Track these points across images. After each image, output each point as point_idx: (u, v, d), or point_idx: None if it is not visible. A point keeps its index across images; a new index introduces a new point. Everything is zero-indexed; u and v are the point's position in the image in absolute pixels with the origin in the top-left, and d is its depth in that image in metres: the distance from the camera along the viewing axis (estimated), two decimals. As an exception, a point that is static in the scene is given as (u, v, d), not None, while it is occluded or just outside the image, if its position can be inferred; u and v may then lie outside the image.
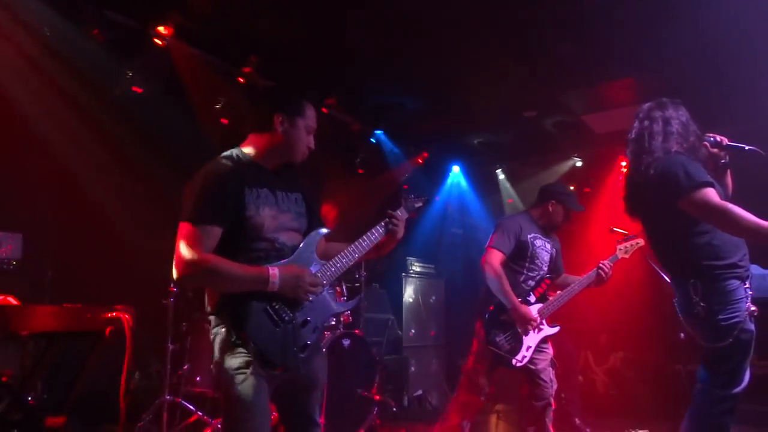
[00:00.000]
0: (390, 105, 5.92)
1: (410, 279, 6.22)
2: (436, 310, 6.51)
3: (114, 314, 2.92)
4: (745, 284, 2.76)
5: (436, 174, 7.29)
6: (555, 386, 3.74)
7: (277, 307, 2.13)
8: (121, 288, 3.72)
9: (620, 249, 3.89)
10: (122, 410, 2.73)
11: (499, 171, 7.47)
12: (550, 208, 3.85)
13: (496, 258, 3.61)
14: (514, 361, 3.54)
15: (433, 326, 6.38)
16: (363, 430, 4.24)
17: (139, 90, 4.21)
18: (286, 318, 2.14)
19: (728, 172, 3.07)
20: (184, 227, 2.09)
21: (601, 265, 3.77)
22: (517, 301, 3.56)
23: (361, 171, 6.21)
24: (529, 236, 3.76)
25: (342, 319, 4.62)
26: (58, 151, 3.79)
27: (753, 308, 2.72)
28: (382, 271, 6.03)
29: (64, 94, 3.83)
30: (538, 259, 3.77)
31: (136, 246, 4.18)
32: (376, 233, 2.44)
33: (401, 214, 2.53)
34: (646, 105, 3.07)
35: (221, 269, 2.06)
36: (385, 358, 5.75)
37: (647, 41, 4.79)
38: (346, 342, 4.31)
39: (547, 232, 3.90)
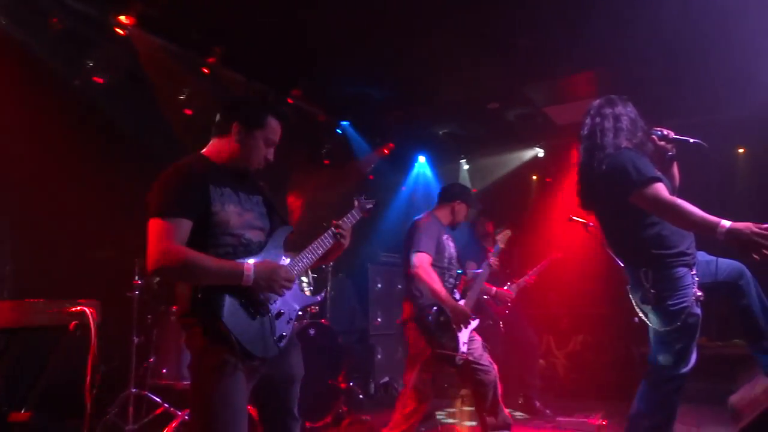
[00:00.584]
0: (356, 96, 5.95)
1: (376, 268, 6.28)
2: (402, 299, 6.58)
3: (78, 308, 2.91)
4: (692, 271, 2.92)
5: (402, 164, 7.36)
6: (495, 367, 3.88)
7: (252, 300, 2.18)
8: (84, 281, 3.68)
9: (498, 240, 4.18)
10: (87, 404, 2.72)
11: (463, 161, 7.58)
12: (456, 208, 4.04)
13: (424, 261, 3.70)
14: (458, 359, 3.66)
15: (399, 314, 6.45)
16: (330, 417, 4.31)
17: (100, 80, 4.14)
18: (263, 310, 2.20)
19: (675, 164, 3.22)
20: (155, 223, 2.12)
21: (490, 261, 4.04)
22: (452, 299, 3.70)
23: (327, 162, 6.23)
24: (444, 237, 3.93)
25: (309, 309, 4.68)
26: (15, 142, 3.70)
27: (699, 293, 2.88)
28: (348, 261, 6.09)
29: (22, 83, 3.74)
30: (453, 258, 3.95)
31: (99, 238, 4.14)
32: (324, 242, 2.52)
33: (347, 222, 2.62)
34: (597, 102, 3.19)
35: (197, 261, 2.10)
36: (351, 347, 5.83)
37: (607, 35, 4.92)
38: (312, 331, 4.37)
39: (450, 231, 4.08)
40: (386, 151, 6.96)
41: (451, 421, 5.16)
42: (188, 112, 4.77)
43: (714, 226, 2.56)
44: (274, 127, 2.39)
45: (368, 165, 6.79)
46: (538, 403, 5.67)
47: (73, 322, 2.85)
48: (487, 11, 4.66)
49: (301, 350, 2.48)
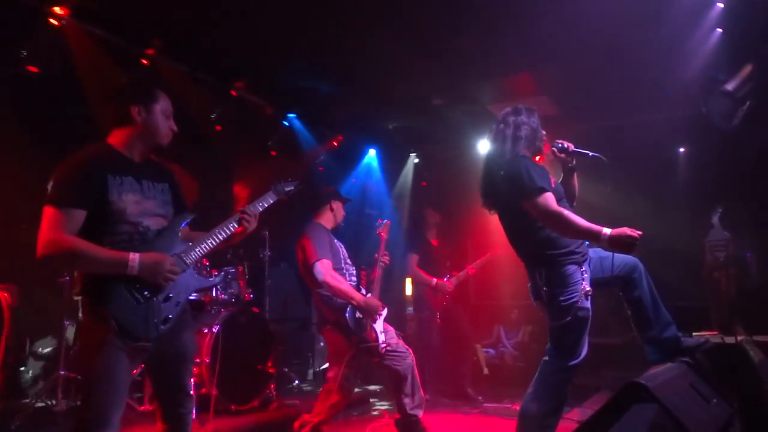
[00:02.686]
0: (302, 89, 6.05)
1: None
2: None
3: (-9, 292, 3.02)
4: (582, 268, 3.12)
5: (352, 157, 7.48)
6: (410, 351, 4.07)
7: (138, 285, 2.30)
8: (15, 267, 3.74)
9: (382, 231, 4.40)
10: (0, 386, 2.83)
11: (412, 155, 7.73)
12: (333, 207, 4.23)
13: (327, 267, 3.86)
14: (381, 348, 3.86)
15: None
16: (258, 401, 4.46)
17: (34, 70, 4.18)
18: (147, 294, 2.31)
19: (575, 175, 3.43)
20: (47, 210, 2.23)
21: (378, 257, 4.20)
22: (361, 295, 3.89)
23: (274, 153, 6.34)
24: (335, 241, 4.13)
25: (243, 297, 4.82)
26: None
27: (588, 289, 3.09)
28: (292, 250, 6.21)
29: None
30: (347, 258, 4.14)
31: (31, 224, 4.19)
32: (231, 226, 2.62)
33: (256, 207, 2.73)
34: (506, 109, 3.38)
35: (82, 250, 2.21)
36: (291, 335, 5.99)
37: (542, 35, 5.09)
38: (242, 318, 4.50)
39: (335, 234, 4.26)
40: (335, 144, 7.08)
41: (382, 406, 5.36)
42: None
43: (597, 234, 2.82)
44: (164, 98, 2.53)
45: (316, 157, 6.91)
46: (470, 390, 5.90)
47: (-15, 306, 2.97)
48: (422, 10, 4.80)
49: (193, 330, 2.62)
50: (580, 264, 3.12)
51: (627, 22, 4.76)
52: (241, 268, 4.89)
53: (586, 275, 3.12)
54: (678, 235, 6.46)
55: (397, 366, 3.94)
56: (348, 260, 4.14)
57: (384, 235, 4.37)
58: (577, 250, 3.12)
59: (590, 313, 3.10)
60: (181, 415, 2.50)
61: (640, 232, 2.78)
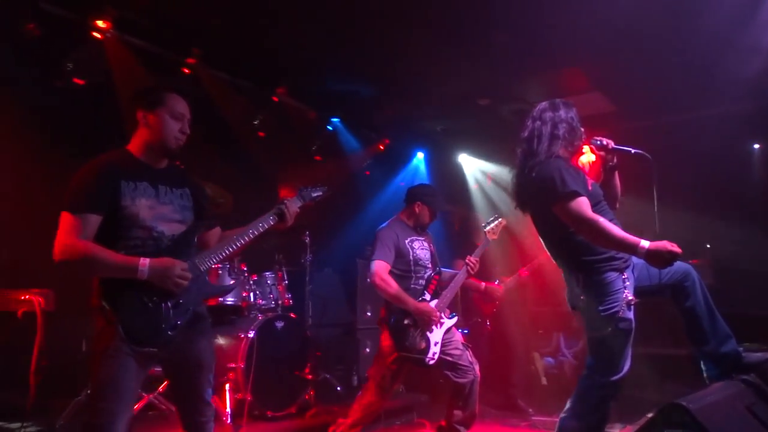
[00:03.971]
0: (345, 93, 6.01)
1: (365, 263, 6.33)
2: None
3: (26, 297, 3.11)
4: (624, 275, 2.89)
5: (399, 160, 7.38)
6: (476, 366, 3.89)
7: (149, 291, 2.30)
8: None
9: (488, 233, 4.15)
10: (32, 387, 2.90)
11: (462, 156, 7.54)
12: (417, 210, 4.04)
13: (381, 269, 3.77)
14: (427, 360, 3.70)
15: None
16: (295, 408, 4.42)
17: (80, 82, 4.32)
18: (157, 300, 2.31)
19: (616, 174, 3.18)
20: (64, 216, 2.29)
21: (467, 260, 4.00)
22: (411, 299, 3.74)
23: (318, 158, 6.32)
24: (406, 241, 3.93)
25: (282, 301, 4.80)
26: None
27: (630, 298, 2.85)
28: (336, 256, 6.19)
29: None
30: (421, 260, 3.95)
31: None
32: (265, 223, 2.62)
33: (292, 203, 2.71)
34: (541, 105, 3.18)
35: (95, 255, 2.25)
36: (334, 341, 5.93)
37: (588, 27, 4.81)
38: (279, 324, 4.48)
39: (420, 232, 4.08)
40: (382, 148, 7.00)
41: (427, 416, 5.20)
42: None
43: (633, 247, 2.64)
44: (174, 100, 2.50)
45: (363, 161, 6.85)
46: (520, 402, 5.66)
47: (22, 309, 3.06)
48: (467, 8, 4.63)
49: (211, 338, 2.63)
50: (621, 271, 2.89)
51: (683, 8, 4.45)
52: (280, 273, 4.87)
53: (628, 283, 2.88)
54: (753, 238, 5.97)
55: (456, 379, 3.78)
56: (423, 263, 3.95)
57: (492, 236, 4.15)
58: (618, 255, 2.88)
59: (633, 325, 2.86)
60: (202, 423, 2.48)
61: (680, 250, 2.60)
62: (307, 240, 5.14)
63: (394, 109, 6.41)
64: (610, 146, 3.07)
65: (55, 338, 3.23)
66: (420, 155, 7.48)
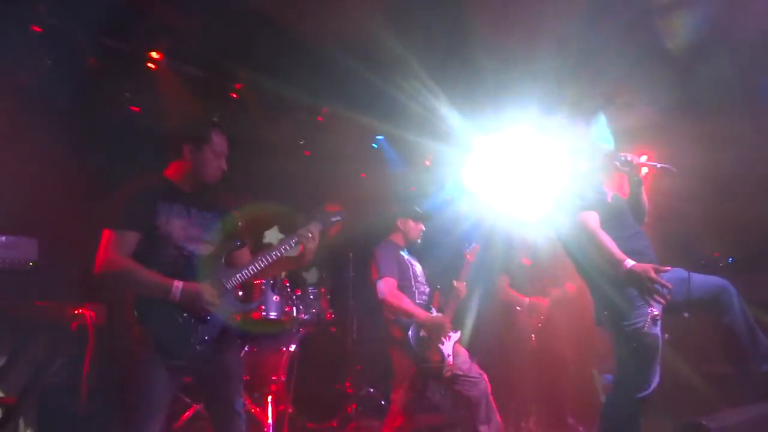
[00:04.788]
0: (388, 110, 6.12)
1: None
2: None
3: (79, 311, 3.35)
4: (649, 289, 2.83)
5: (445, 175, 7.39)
6: (485, 376, 3.90)
7: (178, 307, 2.47)
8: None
9: (469, 254, 4.19)
10: (83, 397, 3.12)
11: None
12: (401, 226, 4.13)
13: (390, 285, 3.83)
14: (445, 371, 3.73)
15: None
16: (336, 421, 4.52)
17: (136, 109, 4.65)
18: (186, 316, 2.48)
19: (642, 188, 3.13)
20: (105, 233, 2.49)
21: (455, 285, 4.00)
22: (425, 312, 3.81)
23: (363, 175, 6.46)
24: (404, 258, 4.03)
25: (324, 316, 4.93)
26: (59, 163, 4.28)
27: (656, 313, 2.79)
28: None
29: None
30: (418, 275, 4.02)
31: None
32: (287, 246, 2.75)
33: (314, 228, 2.80)
34: (564, 120, 3.20)
35: (132, 271, 2.44)
36: (380, 355, 5.98)
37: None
38: (320, 338, 4.61)
39: (411, 251, 4.16)
40: (428, 163, 7.05)
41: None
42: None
43: (618, 263, 2.68)
44: (218, 139, 2.71)
45: (408, 177, 6.93)
46: (570, 420, 5.52)
47: (75, 323, 3.30)
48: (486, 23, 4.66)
49: (238, 349, 2.88)
50: (645, 285, 2.83)
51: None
52: (323, 288, 5.01)
53: (654, 297, 2.82)
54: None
55: (468, 392, 3.80)
56: (421, 278, 4.07)
57: (470, 258, 4.21)
58: (642, 269, 2.84)
59: (660, 340, 2.80)
60: None
61: (666, 283, 2.62)
62: (350, 256, 5.26)
63: (440, 125, 6.46)
64: (634, 162, 3.04)
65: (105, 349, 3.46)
66: (465, 169, 7.44)
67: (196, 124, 2.81)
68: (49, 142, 4.27)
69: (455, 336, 3.93)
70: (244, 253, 2.85)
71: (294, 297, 4.81)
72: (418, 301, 3.93)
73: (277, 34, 4.78)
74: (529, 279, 5.85)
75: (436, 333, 3.76)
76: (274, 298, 4.61)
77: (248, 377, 4.40)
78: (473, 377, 3.83)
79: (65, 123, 4.36)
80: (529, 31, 4.76)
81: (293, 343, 4.38)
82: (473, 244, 4.32)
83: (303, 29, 4.72)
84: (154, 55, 4.64)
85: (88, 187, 4.42)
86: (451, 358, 3.80)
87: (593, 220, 2.78)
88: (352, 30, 4.76)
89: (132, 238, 2.49)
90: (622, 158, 3.05)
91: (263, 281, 4.61)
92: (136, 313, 2.45)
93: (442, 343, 3.79)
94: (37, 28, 4.05)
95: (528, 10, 4.53)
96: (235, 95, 5.24)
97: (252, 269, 2.69)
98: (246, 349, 4.55)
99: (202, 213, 2.70)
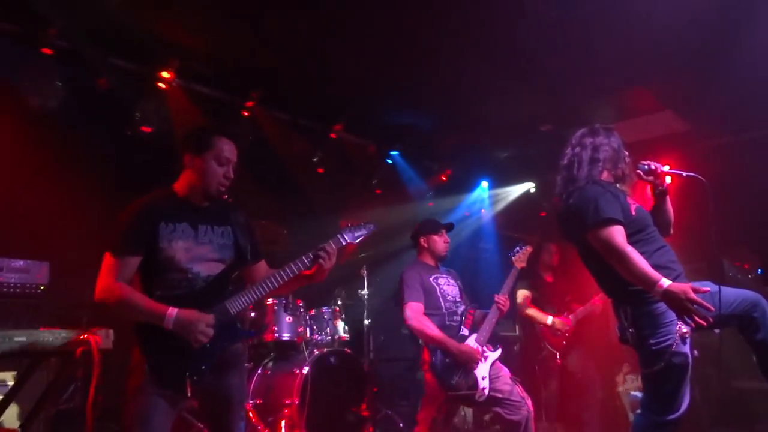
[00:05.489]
0: (404, 126, 6.06)
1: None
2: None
3: (85, 336, 3.29)
4: (677, 306, 2.66)
5: (463, 190, 7.29)
6: (528, 400, 3.74)
7: (176, 336, 2.34)
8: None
9: (515, 261, 4.07)
10: (89, 422, 3.04)
11: (531, 185, 7.34)
12: (425, 244, 4.02)
13: (415, 311, 3.72)
14: (477, 397, 3.58)
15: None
16: (352, 445, 4.37)
17: (148, 129, 4.63)
18: (184, 344, 2.35)
19: (667, 198, 2.97)
20: (106, 257, 2.41)
21: (496, 299, 3.87)
22: (452, 341, 3.65)
23: (378, 192, 6.37)
24: (430, 279, 3.88)
25: (339, 336, 4.80)
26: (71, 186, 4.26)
27: (685, 330, 2.63)
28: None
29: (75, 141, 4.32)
30: (449, 295, 3.88)
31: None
32: (301, 264, 2.60)
33: (331, 247, 2.65)
34: (580, 131, 3.06)
35: (127, 299, 2.35)
36: (398, 376, 5.84)
37: (648, 43, 4.60)
38: (334, 359, 4.47)
39: (442, 270, 4.05)
40: (444, 179, 6.95)
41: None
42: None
43: (653, 283, 2.48)
44: (222, 145, 2.52)
45: (425, 193, 6.83)
46: (598, 440, 5.30)
47: (80, 348, 3.23)
48: (519, 33, 4.56)
49: (243, 374, 2.66)
50: (672, 301, 2.66)
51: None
52: (337, 309, 4.89)
53: (684, 314, 2.65)
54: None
55: (509, 416, 3.63)
56: (449, 297, 3.90)
57: (520, 265, 4.08)
58: (669, 284, 2.67)
59: (689, 359, 2.63)
60: None
61: (705, 304, 2.43)
62: (365, 273, 5.14)
63: (454, 139, 6.39)
64: (658, 170, 2.88)
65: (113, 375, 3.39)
66: (484, 184, 7.35)
67: (197, 131, 2.65)
68: (61, 165, 4.28)
69: (493, 355, 3.76)
70: (262, 267, 2.72)
71: (308, 317, 4.70)
72: (448, 323, 3.79)
73: (289, 49, 4.74)
74: (552, 296, 5.68)
75: (462, 360, 3.61)
76: (287, 319, 4.52)
77: (261, 401, 4.30)
78: (515, 401, 3.66)
79: (77, 146, 4.35)
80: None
81: (306, 366, 4.26)
82: (524, 247, 4.13)
83: (316, 45, 4.68)
84: (164, 74, 4.62)
85: (100, 210, 4.40)
86: (486, 381, 3.63)
87: (620, 235, 2.61)
88: (364, 44, 4.72)
89: (133, 262, 2.40)
90: (645, 167, 2.90)
91: (275, 302, 4.52)
92: (137, 338, 2.38)
93: (475, 367, 3.64)
94: (47, 51, 4.04)
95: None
96: (246, 113, 5.18)
97: (262, 290, 2.55)
98: (259, 371, 4.45)
99: (212, 229, 2.55)
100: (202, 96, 4.94)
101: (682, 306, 2.41)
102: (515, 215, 7.31)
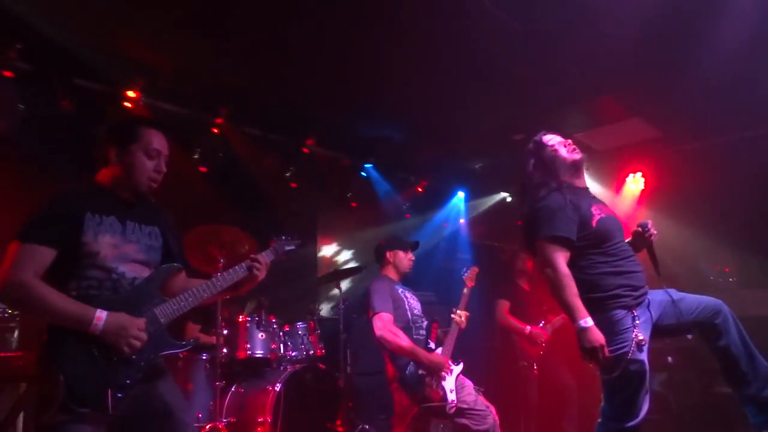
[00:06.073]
0: (377, 139, 6.07)
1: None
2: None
3: (20, 362, 3.23)
4: (634, 313, 2.70)
5: (440, 201, 7.32)
6: (492, 408, 3.77)
7: (98, 343, 2.07)
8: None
9: (466, 280, 4.11)
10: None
11: (507, 195, 7.37)
12: (391, 258, 4.07)
13: (386, 321, 3.72)
14: (448, 409, 3.59)
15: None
16: (327, 461, 4.33)
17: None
18: (106, 355, 2.08)
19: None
20: (13, 245, 2.06)
21: (454, 315, 3.92)
22: (424, 351, 3.68)
23: (354, 204, 6.37)
24: (398, 291, 3.92)
25: (314, 352, 4.77)
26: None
27: (641, 338, 2.64)
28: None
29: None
30: (416, 309, 3.92)
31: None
32: (234, 273, 2.49)
33: (265, 257, 2.61)
34: (535, 138, 3.09)
35: (44, 299, 2.01)
36: (377, 389, 5.79)
37: (613, 52, 4.64)
38: (308, 375, 4.44)
39: (406, 286, 4.10)
40: (420, 190, 6.97)
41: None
42: (203, 169, 5.15)
43: (574, 319, 2.59)
44: (150, 136, 2.31)
45: (401, 204, 6.84)
46: (576, 453, 5.28)
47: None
48: (487, 44, 4.59)
49: (171, 380, 2.34)
50: (630, 308, 2.70)
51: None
52: (312, 323, 4.86)
53: (638, 321, 2.68)
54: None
55: (476, 426, 3.64)
56: (418, 312, 3.96)
57: (470, 284, 4.11)
58: (625, 293, 2.71)
59: (646, 366, 2.64)
60: None
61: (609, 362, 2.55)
62: (340, 288, 5.12)
63: (428, 151, 6.41)
64: (651, 238, 2.96)
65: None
66: (460, 194, 7.38)
67: (122, 123, 2.40)
68: (26, 189, 4.24)
69: (457, 369, 3.79)
70: (181, 278, 2.49)
71: (281, 333, 4.67)
72: (415, 337, 3.81)
73: (259, 64, 4.74)
74: (529, 304, 5.68)
75: (434, 371, 3.63)
76: (260, 335, 4.48)
77: (235, 419, 4.25)
78: (480, 410, 3.68)
79: (42, 168, 4.31)
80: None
81: (279, 383, 4.22)
82: (471, 267, 4.18)
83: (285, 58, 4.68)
84: (130, 93, 4.60)
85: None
86: (453, 393, 3.66)
87: (562, 257, 2.68)
88: (335, 58, 4.74)
89: (46, 254, 2.06)
90: (646, 227, 2.97)
91: (248, 318, 4.50)
92: (45, 347, 2.04)
93: (444, 379, 3.65)
94: (8, 74, 4.01)
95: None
96: (216, 130, 5.17)
97: (192, 299, 2.32)
98: (233, 389, 4.41)
99: (140, 227, 2.31)
100: (170, 114, 4.91)
101: (592, 352, 2.52)
102: (492, 224, 7.34)
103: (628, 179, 6.43)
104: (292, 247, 2.83)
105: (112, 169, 2.30)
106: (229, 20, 4.16)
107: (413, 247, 4.24)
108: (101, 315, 2.07)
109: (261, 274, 2.57)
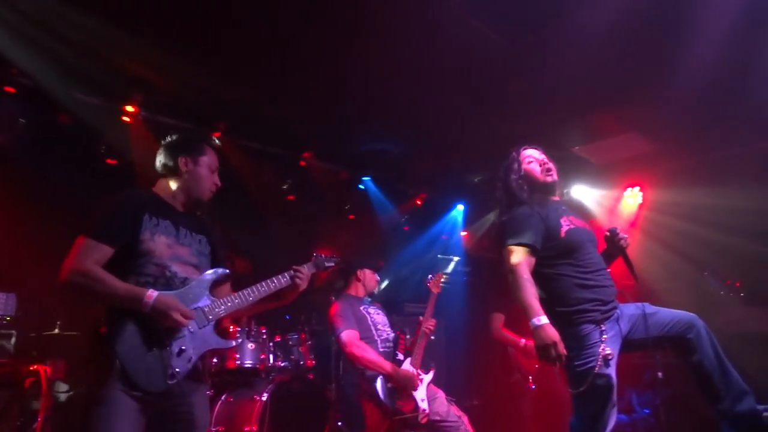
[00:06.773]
0: (374, 152, 6.14)
1: (402, 319, 6.21)
2: (436, 349, 6.45)
3: (34, 367, 3.36)
4: (602, 327, 2.71)
5: (438, 214, 7.35)
6: (465, 418, 3.78)
7: (153, 331, 2.23)
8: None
9: (430, 286, 4.14)
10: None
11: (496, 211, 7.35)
12: (360, 276, 4.15)
13: (352, 338, 3.79)
14: (420, 419, 3.61)
15: (433, 365, 6.30)
16: (312, 472, 4.37)
17: (113, 162, 4.74)
18: (160, 343, 2.24)
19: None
20: (79, 239, 2.26)
21: (421, 323, 3.95)
22: (391, 365, 3.72)
23: (351, 217, 6.43)
24: (360, 308, 4.00)
25: (304, 362, 4.82)
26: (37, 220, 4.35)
27: (608, 352, 2.66)
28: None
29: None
30: (380, 323, 3.99)
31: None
32: (278, 282, 2.60)
33: (307, 269, 2.69)
34: (514, 152, 3.15)
35: (100, 279, 2.19)
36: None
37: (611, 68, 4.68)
38: (296, 386, 4.50)
39: (371, 301, 4.17)
40: (419, 202, 7.01)
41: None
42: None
43: (530, 317, 2.63)
44: (212, 152, 2.60)
45: (399, 217, 6.88)
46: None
47: (29, 379, 3.31)
48: (486, 60, 4.66)
49: (206, 397, 2.51)
50: (598, 323, 2.71)
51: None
52: (303, 335, 4.92)
53: (606, 336, 2.69)
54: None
55: None
56: (380, 326, 4.02)
57: (435, 290, 4.13)
58: (593, 307, 2.73)
59: (613, 381, 2.64)
60: None
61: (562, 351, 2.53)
62: (332, 300, 5.16)
63: (426, 164, 6.46)
64: (622, 243, 2.98)
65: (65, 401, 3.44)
66: (459, 207, 7.40)
67: (190, 136, 2.67)
68: (26, 200, 4.38)
69: (428, 377, 3.81)
70: (227, 289, 2.62)
71: (271, 344, 4.73)
72: (381, 349, 3.85)
73: (257, 80, 4.85)
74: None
75: (403, 384, 3.67)
76: (250, 345, 4.55)
77: (223, 428, 4.31)
78: (452, 421, 3.70)
79: (41, 180, 4.44)
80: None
81: (266, 393, 4.28)
82: (436, 274, 4.21)
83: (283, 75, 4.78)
84: (128, 108, 4.73)
85: (65, 242, 4.49)
86: (425, 403, 3.68)
87: (525, 262, 2.72)
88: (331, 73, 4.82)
89: (104, 251, 2.25)
90: (616, 234, 2.99)
91: (238, 329, 4.57)
92: (104, 332, 2.20)
93: (415, 389, 3.68)
94: (10, 89, 4.17)
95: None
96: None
97: (239, 301, 2.48)
98: (222, 398, 4.47)
99: (192, 234, 2.50)
100: (169, 128, 5.02)
101: (545, 349, 2.54)
102: (491, 237, 7.33)
103: (626, 193, 6.41)
104: (332, 264, 2.90)
105: (176, 178, 2.53)
106: (226, 37, 4.28)
107: (380, 268, 4.39)
108: (152, 293, 2.23)
109: (303, 284, 2.66)
